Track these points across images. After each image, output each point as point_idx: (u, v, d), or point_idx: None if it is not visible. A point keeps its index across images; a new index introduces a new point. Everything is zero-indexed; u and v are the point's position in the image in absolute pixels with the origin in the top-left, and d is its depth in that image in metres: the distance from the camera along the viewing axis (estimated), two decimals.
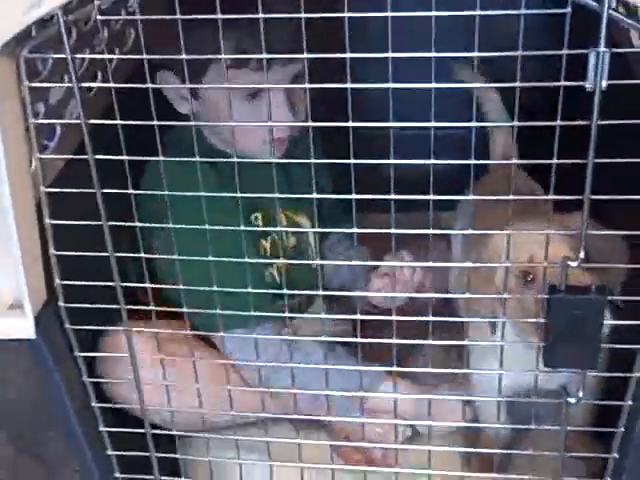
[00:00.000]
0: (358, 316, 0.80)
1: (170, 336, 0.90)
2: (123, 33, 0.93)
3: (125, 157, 0.76)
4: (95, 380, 0.91)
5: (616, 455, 0.86)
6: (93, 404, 0.91)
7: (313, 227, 1.21)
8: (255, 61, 0.97)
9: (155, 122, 0.74)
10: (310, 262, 1.21)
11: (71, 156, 0.83)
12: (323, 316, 0.82)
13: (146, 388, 0.91)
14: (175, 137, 0.96)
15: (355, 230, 0.77)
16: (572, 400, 0.80)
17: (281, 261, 1.09)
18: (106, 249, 0.82)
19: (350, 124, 0.71)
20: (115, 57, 0.72)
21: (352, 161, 0.74)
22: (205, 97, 1.05)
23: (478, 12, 0.65)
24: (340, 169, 0.77)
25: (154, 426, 0.96)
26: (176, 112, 1.10)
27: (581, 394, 0.80)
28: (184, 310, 0.85)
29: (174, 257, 0.82)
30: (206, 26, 0.71)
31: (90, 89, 0.99)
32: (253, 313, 0.82)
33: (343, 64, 0.67)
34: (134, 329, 0.86)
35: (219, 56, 0.69)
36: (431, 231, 0.74)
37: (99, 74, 1.02)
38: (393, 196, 0.73)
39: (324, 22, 0.68)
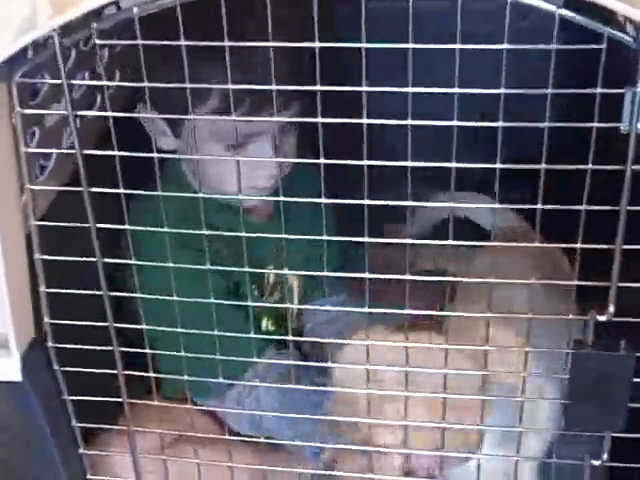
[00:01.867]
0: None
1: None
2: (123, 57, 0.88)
3: (122, 190, 0.71)
4: (83, 425, 0.85)
5: None
6: (81, 450, 0.86)
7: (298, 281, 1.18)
8: (248, 106, 0.90)
9: (155, 154, 0.69)
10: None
11: (63, 188, 0.78)
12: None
13: None
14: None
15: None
16: (596, 463, 0.74)
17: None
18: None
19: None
20: (113, 84, 0.67)
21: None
22: (185, 139, 1.00)
23: (506, 45, 0.60)
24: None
25: None
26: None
27: (605, 456, 0.74)
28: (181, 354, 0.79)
29: (173, 298, 0.77)
30: (206, 58, 0.67)
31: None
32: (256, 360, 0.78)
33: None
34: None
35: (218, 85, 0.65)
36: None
37: (98, 97, 0.98)
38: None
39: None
